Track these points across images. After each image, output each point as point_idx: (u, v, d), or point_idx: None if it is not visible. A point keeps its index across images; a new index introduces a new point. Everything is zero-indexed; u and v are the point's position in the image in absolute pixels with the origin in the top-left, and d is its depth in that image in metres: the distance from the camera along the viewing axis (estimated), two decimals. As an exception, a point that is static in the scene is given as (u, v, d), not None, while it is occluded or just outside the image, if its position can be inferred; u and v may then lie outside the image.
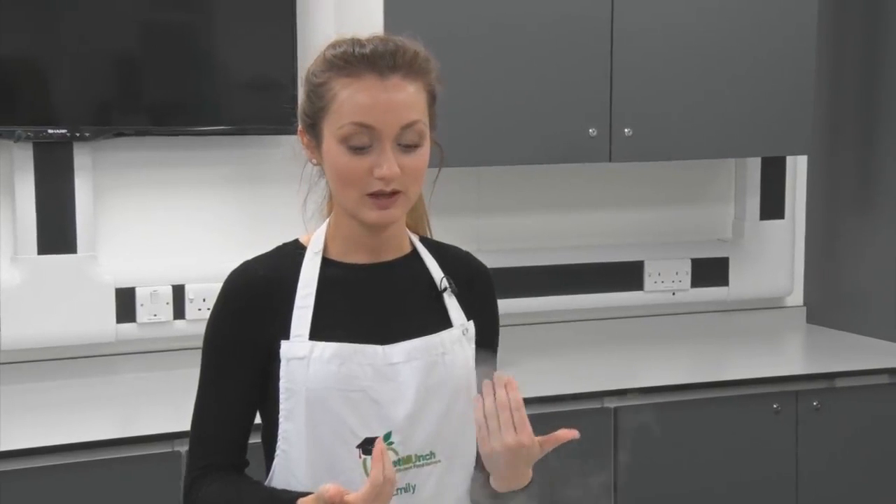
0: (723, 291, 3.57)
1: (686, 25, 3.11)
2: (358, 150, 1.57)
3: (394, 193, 1.58)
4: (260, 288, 1.65)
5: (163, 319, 3.02)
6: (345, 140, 1.58)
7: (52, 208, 2.91)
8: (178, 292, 3.02)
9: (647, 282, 3.47)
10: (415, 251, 1.73)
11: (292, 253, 1.69)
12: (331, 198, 1.70)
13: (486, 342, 1.75)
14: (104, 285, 2.96)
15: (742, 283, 3.58)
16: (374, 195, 1.58)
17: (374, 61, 1.57)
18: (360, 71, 1.57)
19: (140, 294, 3.00)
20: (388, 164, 1.56)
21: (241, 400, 1.65)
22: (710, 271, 3.54)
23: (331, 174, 1.62)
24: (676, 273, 3.50)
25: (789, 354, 3.53)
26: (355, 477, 1.61)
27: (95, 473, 2.47)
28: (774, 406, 3.03)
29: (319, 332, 1.63)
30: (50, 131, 2.86)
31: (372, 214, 1.60)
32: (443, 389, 1.66)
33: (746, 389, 3.02)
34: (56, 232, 2.92)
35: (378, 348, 1.64)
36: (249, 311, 1.64)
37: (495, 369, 1.71)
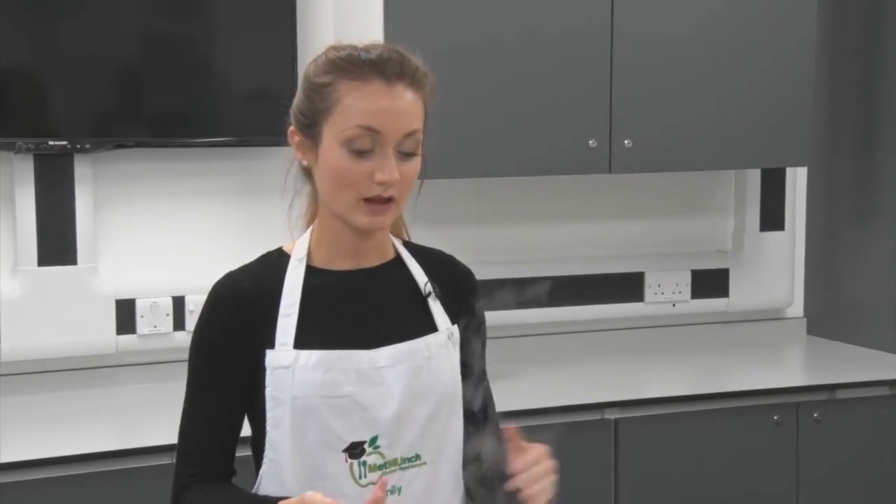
0: (723, 303, 3.57)
1: (686, 37, 3.12)
2: (360, 154, 1.59)
3: (388, 200, 1.60)
4: (244, 298, 1.66)
5: (163, 331, 3.02)
6: (348, 143, 1.59)
7: (52, 220, 2.91)
8: (179, 304, 3.03)
9: (648, 293, 3.47)
10: (398, 257, 1.74)
11: (276, 261, 1.70)
12: (314, 206, 1.71)
13: (474, 344, 1.75)
14: (104, 297, 2.96)
15: (742, 294, 3.58)
16: (370, 200, 1.60)
17: (382, 67, 1.59)
18: (368, 75, 1.58)
19: (140, 305, 3.00)
20: (390, 170, 1.58)
21: (227, 410, 1.66)
22: (710, 283, 3.54)
23: (327, 176, 1.62)
24: (677, 284, 3.50)
25: (790, 366, 3.52)
26: (341, 482, 1.62)
27: (95, 485, 2.47)
28: (775, 418, 3.03)
29: (304, 339, 1.63)
30: (50, 143, 2.86)
31: (364, 219, 1.61)
32: (429, 393, 1.66)
33: (747, 401, 3.02)
34: (56, 243, 2.92)
35: (363, 353, 1.64)
36: (234, 322, 1.65)
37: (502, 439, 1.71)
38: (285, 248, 1.71)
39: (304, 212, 1.74)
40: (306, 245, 1.69)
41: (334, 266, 1.69)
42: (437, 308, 1.72)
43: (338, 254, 1.68)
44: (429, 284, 1.72)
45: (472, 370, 1.75)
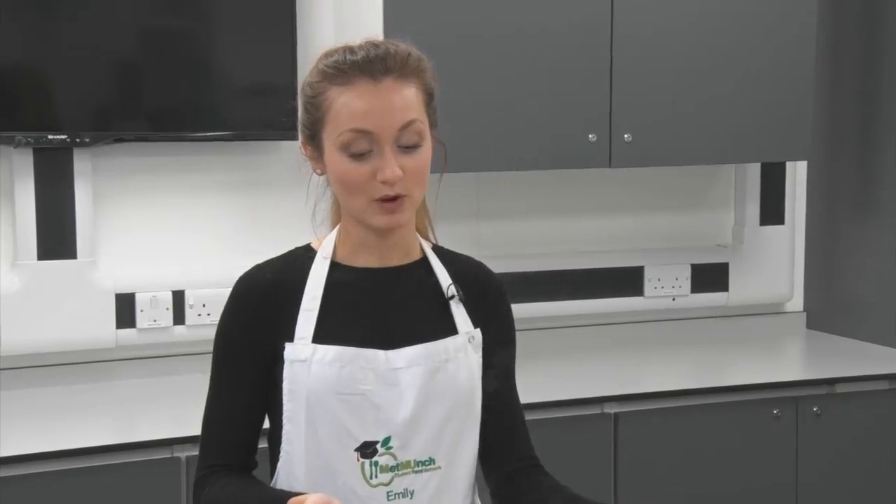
0: (723, 297, 3.57)
1: (686, 31, 3.11)
2: (358, 157, 1.58)
3: (398, 197, 1.59)
4: (267, 291, 1.66)
5: (163, 325, 3.02)
6: (344, 148, 1.59)
7: (51, 214, 2.91)
8: (178, 298, 3.02)
9: (647, 287, 3.47)
10: (425, 258, 1.73)
11: (302, 257, 1.70)
12: (338, 205, 1.71)
13: (500, 353, 1.75)
14: (104, 291, 2.96)
15: (742, 288, 3.58)
16: (381, 200, 1.59)
17: (366, 67, 1.58)
18: (353, 78, 1.58)
19: (140, 299, 3.00)
20: (390, 168, 1.57)
21: (248, 402, 1.67)
22: (710, 277, 3.54)
23: (335, 183, 1.63)
24: (676, 278, 3.50)
25: (789, 360, 3.53)
26: (352, 480, 1.62)
27: (95, 479, 2.47)
28: (774, 412, 3.03)
29: (323, 335, 1.64)
30: (50, 137, 2.86)
31: (380, 219, 1.61)
32: (444, 396, 1.66)
33: (746, 395, 3.02)
34: (56, 237, 2.92)
35: (380, 353, 1.64)
36: (257, 315, 1.65)
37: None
38: (313, 245, 1.72)
39: (329, 212, 1.74)
40: (332, 242, 1.69)
41: (358, 263, 1.68)
42: (458, 311, 1.71)
43: (362, 252, 1.68)
44: (452, 287, 1.71)
45: (498, 383, 1.74)
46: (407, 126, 1.59)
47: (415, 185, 1.61)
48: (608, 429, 2.89)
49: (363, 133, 1.57)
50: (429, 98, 1.64)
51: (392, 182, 1.57)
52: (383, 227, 1.62)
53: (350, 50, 1.60)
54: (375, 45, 1.61)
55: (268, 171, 3.11)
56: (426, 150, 1.62)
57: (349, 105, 1.58)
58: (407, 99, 1.59)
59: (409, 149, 1.60)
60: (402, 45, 1.62)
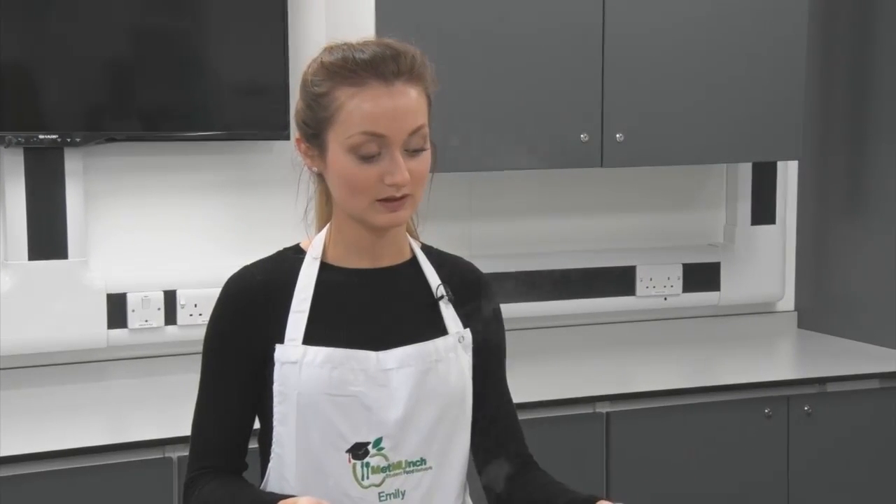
0: (714, 296, 3.57)
1: (677, 31, 3.12)
2: (367, 159, 1.58)
3: (403, 197, 1.59)
4: (257, 292, 1.66)
5: (154, 325, 3.01)
6: (354, 149, 1.58)
7: (42, 214, 2.90)
8: (170, 298, 3.02)
9: (639, 287, 3.48)
10: (414, 258, 1.73)
11: (292, 258, 1.69)
12: (323, 205, 1.71)
13: (488, 353, 1.75)
14: (95, 291, 2.96)
15: (733, 288, 3.59)
16: (384, 200, 1.59)
17: (377, 67, 1.57)
18: (365, 78, 1.57)
19: (131, 300, 2.99)
20: (400, 172, 1.57)
21: (238, 403, 1.66)
22: (701, 276, 3.55)
23: (338, 182, 1.62)
24: (668, 278, 3.50)
25: (781, 359, 3.53)
26: (344, 481, 1.62)
27: (86, 480, 2.47)
28: (766, 411, 3.03)
29: (314, 336, 1.63)
30: (41, 136, 2.85)
31: (382, 218, 1.61)
32: (435, 396, 1.66)
33: (738, 394, 3.02)
34: (47, 237, 2.91)
35: (371, 354, 1.64)
36: (246, 316, 1.65)
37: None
38: (302, 245, 1.71)
39: (316, 211, 1.73)
40: (322, 243, 1.69)
41: (349, 264, 1.68)
42: (448, 312, 1.71)
43: (354, 252, 1.68)
44: (441, 287, 1.71)
45: (489, 383, 1.74)
46: (416, 131, 1.59)
47: (418, 186, 1.61)
48: (600, 428, 2.89)
49: (375, 136, 1.57)
50: (429, 101, 1.64)
51: (401, 185, 1.58)
52: (384, 226, 1.62)
53: (356, 48, 1.59)
54: (382, 44, 1.60)
55: (259, 170, 3.10)
56: (429, 153, 1.63)
57: (361, 108, 1.57)
58: (415, 103, 1.59)
59: (415, 152, 1.60)
60: (408, 47, 1.61)
